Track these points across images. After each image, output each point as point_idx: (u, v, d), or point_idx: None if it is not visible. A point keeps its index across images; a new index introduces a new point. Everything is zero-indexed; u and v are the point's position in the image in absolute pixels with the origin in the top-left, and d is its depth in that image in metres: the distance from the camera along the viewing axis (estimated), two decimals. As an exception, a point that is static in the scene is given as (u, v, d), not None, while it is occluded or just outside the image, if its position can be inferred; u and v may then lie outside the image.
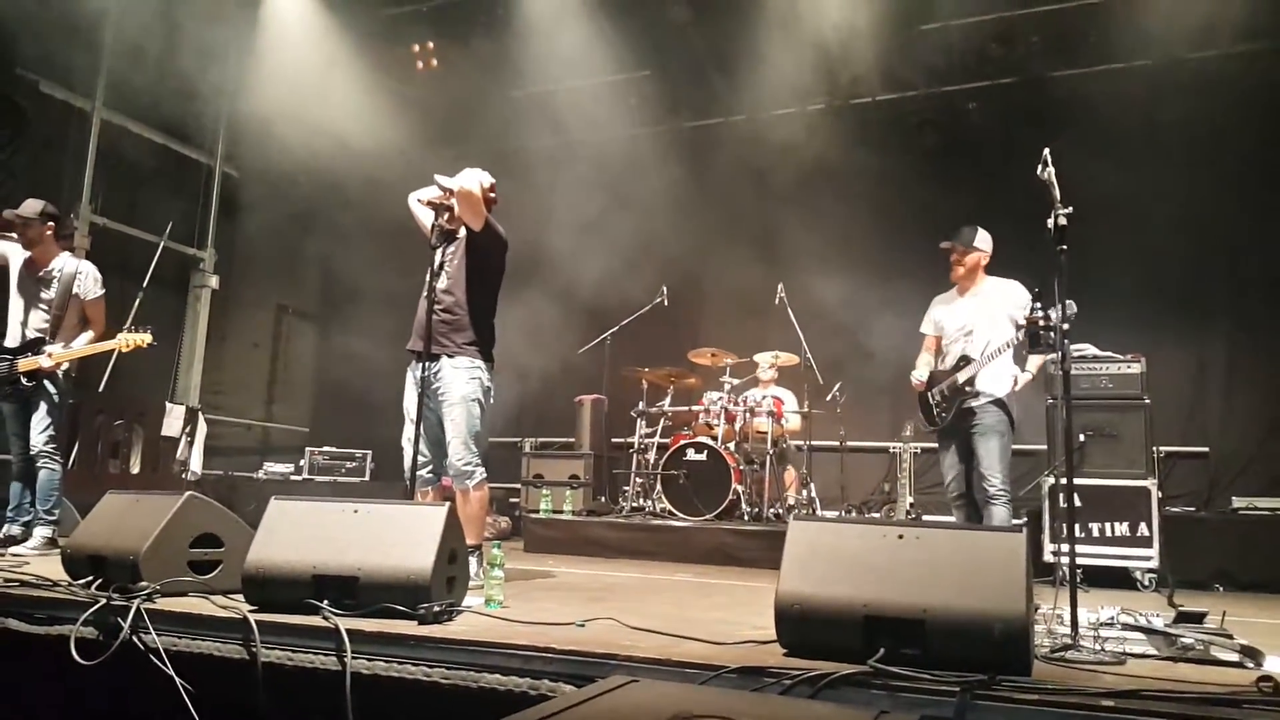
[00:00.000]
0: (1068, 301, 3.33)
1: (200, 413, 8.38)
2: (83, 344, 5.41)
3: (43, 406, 5.26)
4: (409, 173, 4.85)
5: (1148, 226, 7.82)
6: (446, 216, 4.49)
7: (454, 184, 4.47)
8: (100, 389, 7.86)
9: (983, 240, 5.33)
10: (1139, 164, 7.90)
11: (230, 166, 9.93)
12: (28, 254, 5.48)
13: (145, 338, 5.43)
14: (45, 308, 5.40)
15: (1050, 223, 3.37)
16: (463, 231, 4.67)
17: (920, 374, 5.41)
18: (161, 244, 8.77)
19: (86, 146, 8.33)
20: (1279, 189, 7.76)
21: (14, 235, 5.40)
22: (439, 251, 4.49)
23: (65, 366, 5.34)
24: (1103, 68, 8.44)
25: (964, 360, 5.14)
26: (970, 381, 5.07)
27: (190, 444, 8.05)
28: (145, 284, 8.51)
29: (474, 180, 4.49)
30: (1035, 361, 5.21)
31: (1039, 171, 3.47)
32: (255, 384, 10.68)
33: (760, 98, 9.21)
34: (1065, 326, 3.25)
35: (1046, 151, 3.47)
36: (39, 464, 5.23)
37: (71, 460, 6.27)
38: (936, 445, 5.53)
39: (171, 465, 7.87)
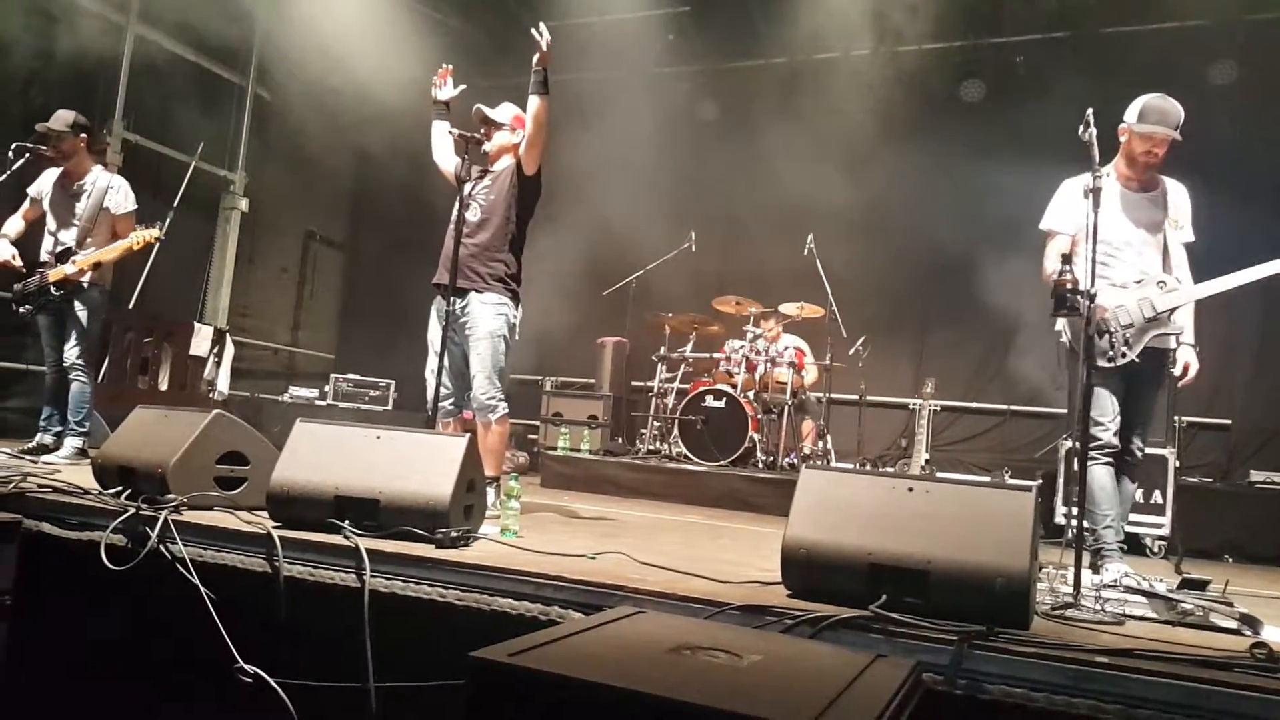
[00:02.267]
0: None
1: (228, 334, 8.48)
2: (113, 252, 5.42)
3: (75, 320, 5.33)
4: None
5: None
6: (478, 144, 4.51)
7: (539, 123, 4.48)
8: (130, 306, 7.97)
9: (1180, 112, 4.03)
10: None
11: (263, 88, 9.92)
12: (61, 169, 5.51)
13: (154, 233, 5.39)
14: (77, 220, 5.43)
15: (1087, 184, 3.34)
16: (500, 165, 4.67)
17: (1061, 268, 3.44)
18: (193, 164, 8.80)
19: (119, 62, 8.33)
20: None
21: (47, 150, 5.41)
22: (468, 185, 4.51)
23: (98, 280, 5.39)
24: (1155, 26, 8.22)
25: (1161, 281, 3.90)
26: (1172, 313, 3.88)
27: (218, 364, 8.16)
28: (176, 203, 8.55)
29: (538, 123, 4.49)
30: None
31: (1080, 132, 3.43)
32: (282, 309, 10.79)
33: (802, 40, 8.99)
34: (1092, 290, 3.23)
35: (1090, 112, 3.41)
36: (70, 376, 5.32)
37: (102, 375, 6.37)
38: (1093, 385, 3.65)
39: (199, 384, 7.99)
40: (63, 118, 5.40)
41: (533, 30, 4.43)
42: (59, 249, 5.36)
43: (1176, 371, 3.96)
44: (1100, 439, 3.86)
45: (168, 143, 8.84)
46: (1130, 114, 4.02)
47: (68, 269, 5.26)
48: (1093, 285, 3.26)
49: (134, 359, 7.47)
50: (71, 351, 5.32)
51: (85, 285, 5.34)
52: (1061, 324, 4.04)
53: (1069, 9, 8.44)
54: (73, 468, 4.72)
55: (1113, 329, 3.86)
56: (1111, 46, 8.31)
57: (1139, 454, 4.01)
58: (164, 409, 4.06)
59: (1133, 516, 5.79)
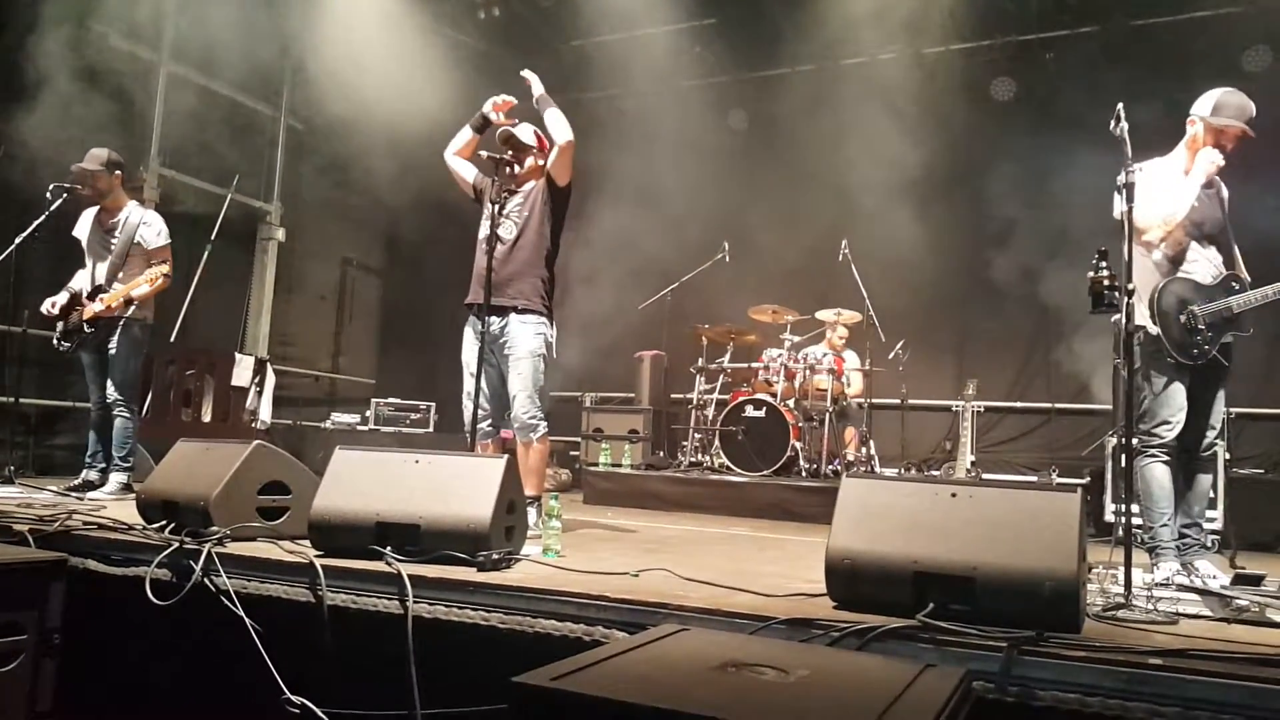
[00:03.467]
0: None
1: (269, 363, 8.58)
2: (143, 289, 5.46)
3: (114, 356, 5.42)
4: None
5: (1227, 181, 7.59)
6: (511, 169, 4.54)
7: (562, 136, 4.54)
8: (172, 339, 8.11)
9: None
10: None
11: (295, 119, 10.07)
12: (98, 207, 5.60)
13: (163, 269, 5.42)
14: (111, 257, 5.51)
15: (1120, 179, 3.28)
16: (531, 183, 4.70)
17: (1099, 264, 3.29)
18: (229, 196, 8.95)
19: (154, 98, 8.50)
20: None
21: (84, 189, 5.49)
22: (498, 204, 4.53)
23: (139, 316, 5.47)
24: (1186, 16, 8.08)
25: (1237, 281, 3.91)
26: (1244, 314, 3.88)
27: (259, 394, 8.27)
28: (213, 236, 8.70)
29: (568, 134, 4.56)
30: None
31: (1112, 127, 3.38)
32: (322, 336, 10.92)
33: (829, 46, 9.00)
34: (1130, 286, 3.16)
35: (1120, 107, 3.36)
36: (114, 412, 5.41)
37: (145, 409, 6.49)
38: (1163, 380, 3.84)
39: (241, 414, 8.10)
40: (96, 156, 5.49)
41: (522, 73, 4.71)
42: (94, 286, 5.46)
43: None
44: (1164, 438, 3.80)
45: (203, 177, 8.98)
46: (1203, 106, 3.97)
47: (96, 306, 5.36)
48: (1130, 281, 3.19)
49: (176, 392, 7.58)
50: (111, 387, 5.41)
51: (124, 321, 5.42)
52: (1144, 314, 3.86)
53: (1096, 3, 8.32)
54: (118, 503, 4.80)
55: (1200, 325, 3.82)
56: (1141, 38, 8.19)
57: (1211, 448, 3.94)
58: (205, 442, 4.12)
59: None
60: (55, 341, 5.51)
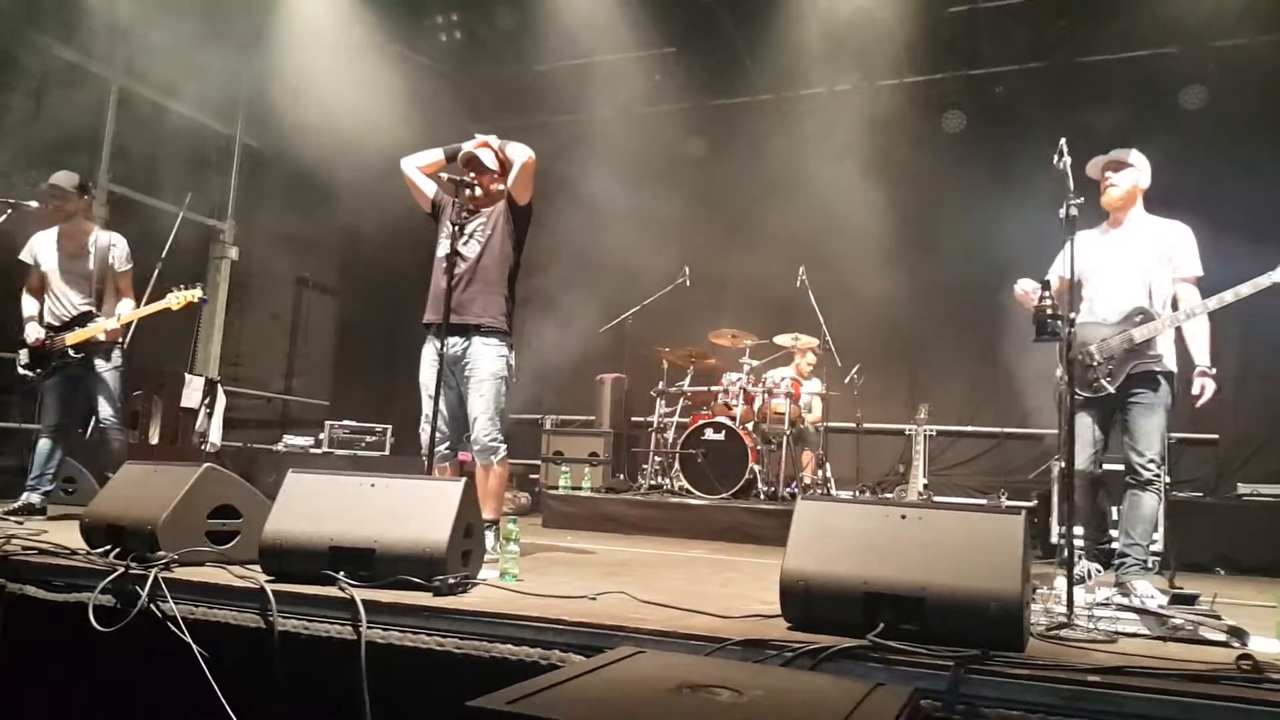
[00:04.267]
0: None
1: (219, 384, 8.46)
2: (130, 309, 5.49)
3: (101, 382, 5.38)
4: (431, 145, 4.89)
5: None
6: (471, 190, 4.54)
7: (522, 154, 4.55)
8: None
9: (1141, 160, 4.41)
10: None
11: (251, 137, 9.98)
12: (57, 229, 5.53)
13: (196, 293, 5.47)
14: (85, 281, 5.47)
15: (1062, 212, 3.39)
16: (496, 202, 4.70)
17: (1042, 294, 3.62)
18: (181, 214, 8.85)
19: (105, 114, 8.38)
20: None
21: (48, 206, 5.41)
22: (458, 225, 4.52)
23: (115, 338, 5.44)
24: (1128, 55, 8.35)
25: (1140, 314, 4.14)
26: (1150, 344, 4.12)
27: (209, 416, 8.14)
28: (164, 254, 8.58)
29: (528, 152, 4.58)
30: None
31: (1055, 161, 3.49)
32: (275, 356, 10.78)
33: (787, 77, 9.19)
34: (1074, 315, 3.27)
35: (1063, 141, 3.49)
36: (109, 437, 5.39)
37: (90, 430, 6.41)
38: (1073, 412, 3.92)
39: (190, 437, 7.97)
40: (69, 178, 5.44)
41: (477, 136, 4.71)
42: (77, 312, 5.41)
43: (1194, 391, 4.16)
44: (1077, 466, 3.94)
45: (155, 194, 8.87)
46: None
47: (107, 324, 5.32)
48: (1074, 311, 3.31)
49: (123, 413, 7.45)
50: (107, 412, 5.39)
51: (106, 345, 5.39)
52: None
53: (1044, 40, 8.58)
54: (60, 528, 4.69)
55: (1094, 362, 4.14)
56: (1086, 75, 8.44)
57: (1144, 472, 4.11)
58: (153, 464, 4.05)
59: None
60: (22, 369, 5.42)
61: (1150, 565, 4.11)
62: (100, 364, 5.38)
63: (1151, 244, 4.26)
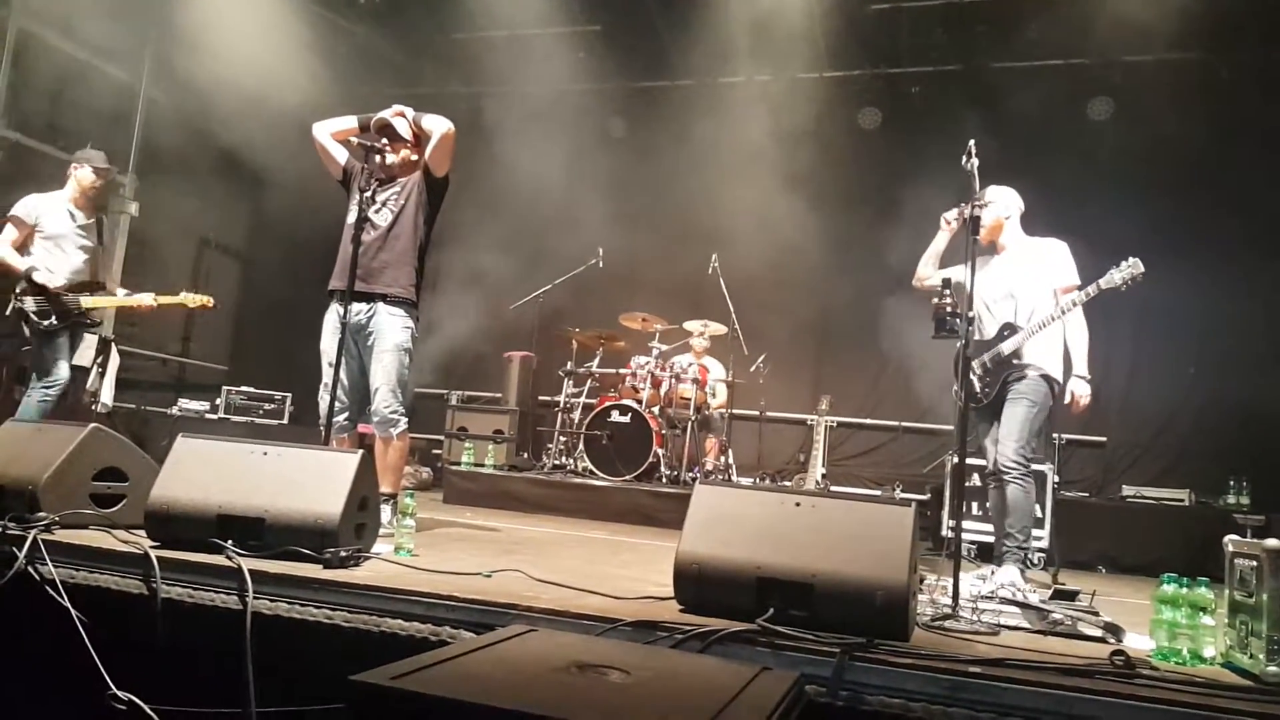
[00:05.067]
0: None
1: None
2: (151, 298, 6.00)
3: (84, 348, 5.92)
4: (345, 111, 4.75)
5: (1065, 221, 8.15)
6: (387, 157, 4.44)
7: (441, 125, 4.47)
8: (7, 313, 7.58)
9: (998, 194, 4.64)
10: (1065, 159, 8.19)
11: (157, 90, 9.57)
12: (70, 198, 5.82)
13: (208, 300, 6.12)
14: (88, 253, 5.84)
15: (964, 212, 3.49)
16: (410, 173, 4.60)
17: (942, 292, 4.05)
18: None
19: (1, 56, 7.95)
20: (1198, 193, 8.04)
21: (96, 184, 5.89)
22: (367, 191, 4.42)
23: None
24: (1039, 63, 8.61)
25: (1008, 329, 4.45)
26: (1017, 354, 4.39)
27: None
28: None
29: (447, 124, 4.48)
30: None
31: (963, 162, 3.59)
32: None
33: (709, 64, 9.19)
34: (971, 314, 3.37)
35: (972, 143, 3.59)
36: (85, 398, 5.96)
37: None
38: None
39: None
40: (106, 158, 5.94)
41: (395, 107, 4.61)
42: (85, 280, 5.80)
43: (1066, 400, 4.42)
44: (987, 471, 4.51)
45: (53, 142, 8.45)
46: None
47: (135, 301, 5.95)
48: (971, 310, 3.42)
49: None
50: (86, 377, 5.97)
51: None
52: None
53: (959, 43, 8.78)
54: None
55: (975, 375, 4.49)
56: (1000, 81, 8.68)
57: (1003, 465, 4.32)
58: (37, 423, 3.89)
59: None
60: (37, 315, 5.57)
61: (1027, 557, 4.32)
62: (88, 334, 5.85)
63: (1026, 264, 4.55)
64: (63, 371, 5.63)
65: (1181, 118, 7.85)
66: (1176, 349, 8.22)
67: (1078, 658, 2.53)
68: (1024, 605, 3.12)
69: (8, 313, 5.64)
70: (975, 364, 4.49)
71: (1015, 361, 4.39)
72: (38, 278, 5.55)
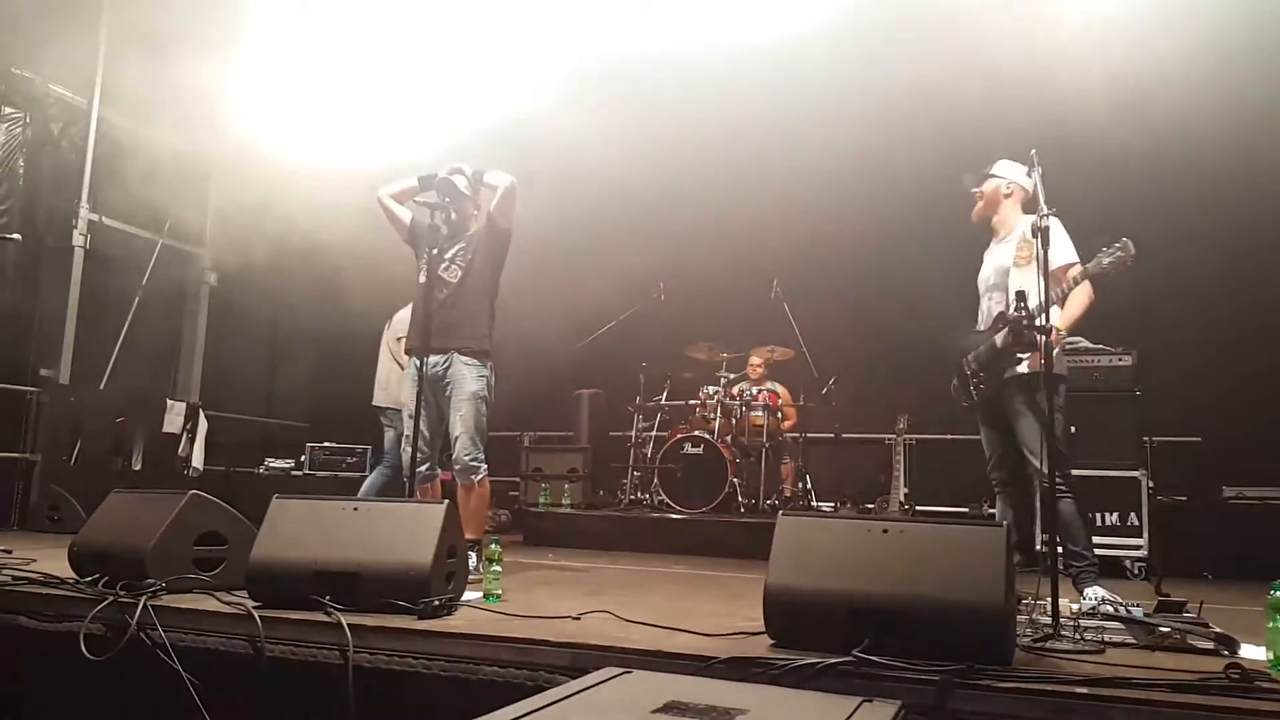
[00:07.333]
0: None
1: (201, 409, 8.42)
2: None
3: None
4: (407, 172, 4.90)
5: (1143, 215, 7.90)
6: (446, 215, 4.56)
7: (504, 180, 4.61)
8: (101, 385, 7.92)
9: (1005, 169, 4.36)
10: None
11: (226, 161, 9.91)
12: None
13: None
14: None
15: (1035, 223, 3.44)
16: (474, 227, 4.73)
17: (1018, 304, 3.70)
18: (160, 241, 8.80)
19: (85, 144, 8.33)
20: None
21: None
22: (435, 249, 4.54)
23: None
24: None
25: (1001, 320, 4.11)
26: (1015, 347, 4.01)
27: (191, 440, 8.10)
28: (145, 280, 8.54)
29: (509, 179, 4.65)
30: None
31: (1027, 172, 3.55)
32: (255, 379, 10.72)
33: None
34: (1049, 325, 3.31)
35: (1034, 153, 3.54)
36: None
37: (75, 457, 6.39)
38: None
39: (173, 462, 7.92)
40: None
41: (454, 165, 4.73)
42: None
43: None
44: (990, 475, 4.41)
45: (134, 221, 8.81)
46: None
47: None
48: (1046, 319, 3.37)
49: (107, 439, 7.41)
50: None
51: None
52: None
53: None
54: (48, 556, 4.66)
55: (969, 370, 4.31)
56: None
57: (1036, 478, 4.05)
58: (139, 492, 4.05)
59: (1112, 539, 5.87)
60: None
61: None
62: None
63: (1020, 248, 4.25)
64: None
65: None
66: (1270, 338, 7.88)
67: (1190, 673, 2.44)
68: (1129, 620, 3.02)
69: None
70: (970, 355, 4.31)
71: (1011, 359, 4.11)
72: None
